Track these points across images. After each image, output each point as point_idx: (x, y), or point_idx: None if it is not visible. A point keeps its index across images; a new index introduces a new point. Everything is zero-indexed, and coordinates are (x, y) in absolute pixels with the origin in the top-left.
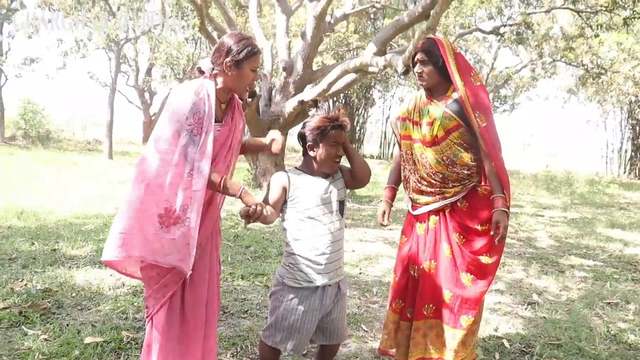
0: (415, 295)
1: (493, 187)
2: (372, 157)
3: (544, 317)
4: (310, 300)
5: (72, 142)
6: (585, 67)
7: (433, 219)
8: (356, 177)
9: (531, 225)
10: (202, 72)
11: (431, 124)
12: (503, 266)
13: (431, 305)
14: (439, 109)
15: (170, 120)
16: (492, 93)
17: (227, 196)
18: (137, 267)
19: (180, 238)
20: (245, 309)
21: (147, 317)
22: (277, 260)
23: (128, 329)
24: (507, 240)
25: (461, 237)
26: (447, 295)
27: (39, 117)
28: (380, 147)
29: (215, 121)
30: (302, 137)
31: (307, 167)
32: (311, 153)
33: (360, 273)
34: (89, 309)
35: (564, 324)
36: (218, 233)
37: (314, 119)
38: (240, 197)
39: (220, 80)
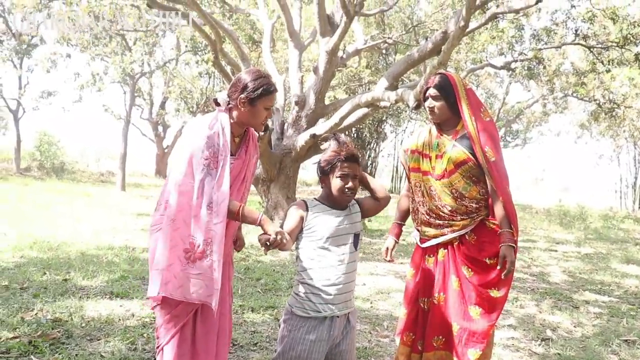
0: (425, 327)
1: (501, 222)
2: None
3: (558, 354)
4: (318, 331)
5: (86, 174)
6: (598, 102)
7: (442, 251)
8: (376, 200)
9: (544, 260)
10: (218, 104)
11: (441, 156)
12: (515, 301)
13: (441, 337)
14: (449, 142)
15: (186, 155)
16: (504, 128)
17: (237, 228)
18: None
19: (207, 272)
20: (255, 342)
21: (157, 347)
22: (287, 293)
23: None
24: (520, 275)
25: (469, 270)
26: (455, 327)
27: (54, 148)
28: (392, 181)
29: (230, 154)
30: (318, 169)
31: (325, 198)
32: (322, 185)
33: (372, 307)
34: (99, 340)
35: None
36: (231, 264)
37: (326, 151)
38: (260, 225)
39: (234, 114)
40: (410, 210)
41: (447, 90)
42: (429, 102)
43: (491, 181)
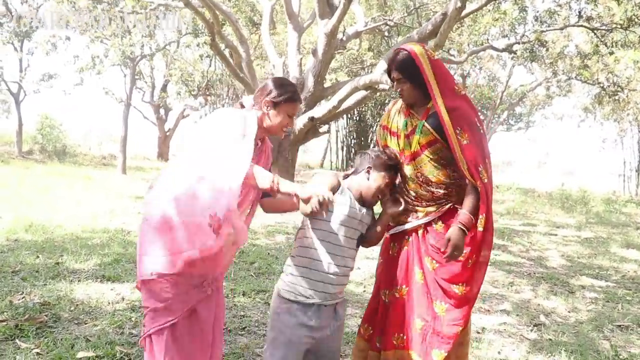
0: (385, 322)
1: (465, 204)
2: None
3: (550, 340)
4: (302, 316)
5: (88, 157)
6: (602, 85)
7: (407, 240)
8: (371, 238)
9: (543, 244)
10: (243, 107)
11: (408, 137)
12: (511, 286)
13: (402, 335)
14: (419, 123)
15: (221, 128)
16: (507, 111)
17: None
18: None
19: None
20: (244, 326)
21: (143, 335)
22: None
23: (123, 344)
24: (517, 259)
25: (433, 261)
26: (417, 324)
27: (56, 132)
28: None
29: None
30: (365, 156)
31: (354, 187)
32: (365, 175)
33: (364, 291)
34: (86, 323)
35: (570, 347)
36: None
37: (392, 150)
38: (297, 194)
39: (259, 115)
40: None
41: (410, 70)
42: (396, 86)
43: (464, 166)
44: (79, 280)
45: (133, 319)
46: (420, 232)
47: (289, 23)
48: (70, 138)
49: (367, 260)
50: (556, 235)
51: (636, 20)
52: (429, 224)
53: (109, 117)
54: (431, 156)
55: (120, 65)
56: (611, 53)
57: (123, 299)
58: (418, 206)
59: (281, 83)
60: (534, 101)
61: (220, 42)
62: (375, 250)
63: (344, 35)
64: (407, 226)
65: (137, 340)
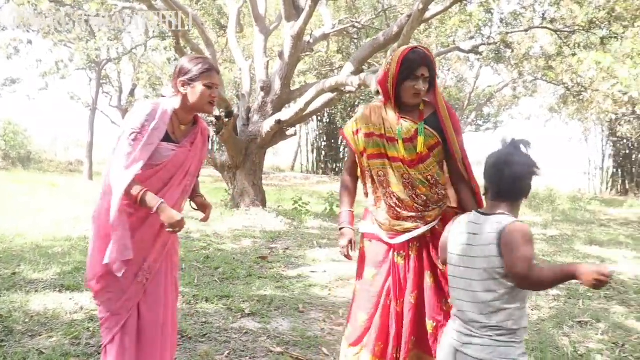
0: (400, 332)
1: (467, 203)
2: None
3: None
4: None
5: (54, 163)
6: (566, 85)
7: (413, 246)
8: None
9: None
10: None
11: (411, 140)
12: None
13: (413, 338)
14: (420, 125)
15: (123, 130)
16: (475, 111)
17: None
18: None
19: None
20: (204, 333)
21: (102, 345)
22: (245, 282)
23: (79, 356)
24: None
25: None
26: (430, 325)
27: (21, 138)
28: None
29: (172, 141)
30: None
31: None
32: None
33: (329, 294)
34: (40, 335)
35: (531, 345)
36: (175, 254)
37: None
38: (157, 213)
39: (178, 100)
40: (371, 203)
41: (434, 67)
42: (421, 85)
43: (463, 166)
44: (36, 291)
45: (91, 329)
46: (428, 236)
47: (255, 26)
48: (36, 144)
49: (334, 264)
50: None
51: (597, 22)
52: (433, 227)
53: (76, 122)
54: (436, 158)
55: (85, 69)
56: (574, 54)
57: (82, 308)
58: (427, 210)
59: (190, 59)
60: (501, 102)
61: (186, 45)
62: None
63: (311, 37)
64: (418, 232)
65: (94, 351)
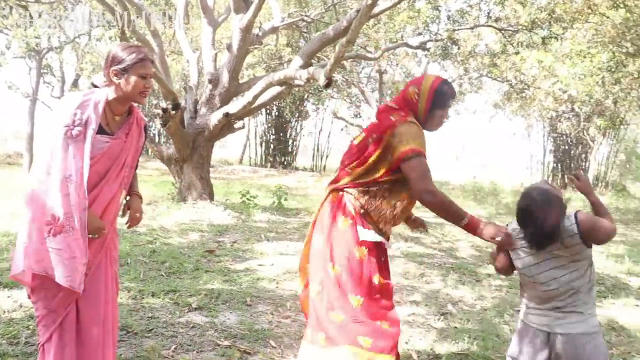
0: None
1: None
2: (304, 169)
3: (456, 327)
4: None
5: None
6: (510, 82)
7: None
8: None
9: (455, 236)
10: (96, 87)
11: None
12: (422, 277)
13: None
14: None
15: (52, 125)
16: None
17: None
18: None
19: (66, 250)
20: (150, 328)
21: (39, 344)
22: (192, 276)
23: (17, 355)
24: (429, 251)
25: None
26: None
27: None
28: (313, 159)
29: (106, 133)
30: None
31: None
32: None
33: (277, 287)
34: None
35: (474, 334)
36: (114, 248)
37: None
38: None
39: (111, 90)
40: (391, 214)
41: None
42: (447, 114)
43: None
44: None
45: (31, 327)
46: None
47: (203, 17)
48: None
49: (282, 257)
50: None
51: (539, 23)
52: None
53: (14, 113)
54: None
55: (24, 58)
56: (517, 53)
57: (21, 306)
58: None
59: (123, 48)
60: None
61: (132, 36)
62: (290, 247)
63: (260, 30)
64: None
65: (34, 350)
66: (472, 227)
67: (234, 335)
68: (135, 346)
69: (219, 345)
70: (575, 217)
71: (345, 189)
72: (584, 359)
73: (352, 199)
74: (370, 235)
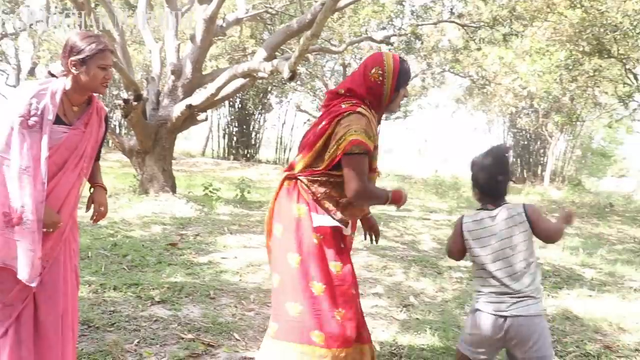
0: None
1: None
2: (267, 162)
3: (418, 319)
4: None
5: None
6: (472, 78)
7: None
8: None
9: (417, 229)
10: (53, 76)
11: (377, 147)
12: (384, 269)
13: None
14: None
15: (7, 115)
16: None
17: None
18: None
19: (23, 242)
20: (113, 322)
21: None
22: (154, 269)
23: None
24: (392, 243)
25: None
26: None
27: None
28: (276, 152)
29: (64, 123)
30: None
31: None
32: None
33: (240, 280)
34: None
35: (435, 325)
36: (74, 241)
37: None
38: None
39: (69, 80)
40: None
41: None
42: (407, 91)
43: None
44: None
45: None
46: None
47: (166, 7)
48: None
49: (245, 250)
50: (429, 219)
51: (500, 20)
52: None
53: None
54: None
55: None
56: (479, 49)
57: None
58: None
59: (83, 37)
60: (410, 92)
61: (92, 24)
62: (254, 240)
63: (224, 21)
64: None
65: None
66: (396, 199)
67: (198, 328)
68: (97, 341)
69: (182, 338)
70: (524, 205)
71: (298, 176)
72: (535, 338)
73: (304, 185)
74: (324, 220)
